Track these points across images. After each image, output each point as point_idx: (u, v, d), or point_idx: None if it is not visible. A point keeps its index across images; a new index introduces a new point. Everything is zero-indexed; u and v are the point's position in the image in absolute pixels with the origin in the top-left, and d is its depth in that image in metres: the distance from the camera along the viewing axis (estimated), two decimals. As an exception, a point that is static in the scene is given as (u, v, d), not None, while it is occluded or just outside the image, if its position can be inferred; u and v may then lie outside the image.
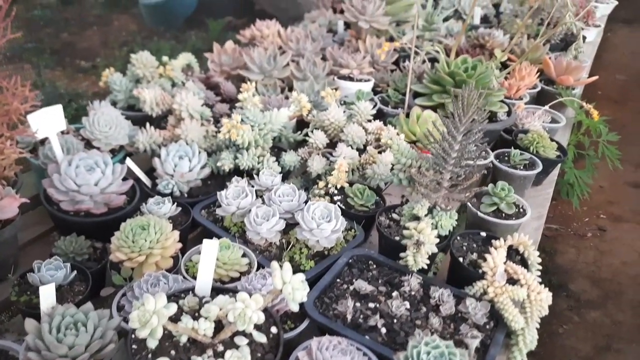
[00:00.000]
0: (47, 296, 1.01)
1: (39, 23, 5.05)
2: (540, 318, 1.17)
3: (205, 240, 1.05)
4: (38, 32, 4.97)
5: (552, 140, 1.84)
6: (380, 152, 1.60)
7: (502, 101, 1.92)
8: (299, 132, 1.77)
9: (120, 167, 1.40)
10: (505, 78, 2.14)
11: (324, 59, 2.25)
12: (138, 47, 4.89)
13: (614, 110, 4.73)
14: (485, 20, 3.06)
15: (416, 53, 2.22)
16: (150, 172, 1.56)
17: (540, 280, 1.23)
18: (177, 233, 1.24)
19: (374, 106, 1.99)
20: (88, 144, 1.56)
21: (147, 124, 1.63)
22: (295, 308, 0.94)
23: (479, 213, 1.47)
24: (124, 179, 1.42)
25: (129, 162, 1.47)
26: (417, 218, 1.33)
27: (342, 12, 2.55)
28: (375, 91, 2.18)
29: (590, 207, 3.39)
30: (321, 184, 1.52)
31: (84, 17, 5.57)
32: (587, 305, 2.70)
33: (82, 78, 4.59)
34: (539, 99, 2.28)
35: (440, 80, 1.85)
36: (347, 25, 2.58)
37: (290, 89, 2.08)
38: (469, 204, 1.48)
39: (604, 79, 5.21)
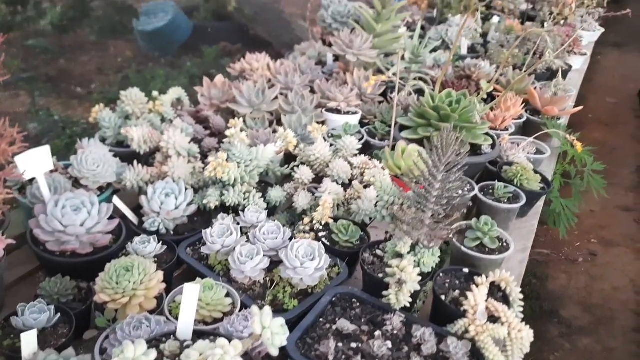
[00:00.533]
0: (28, 342, 1.01)
1: (35, 51, 5.11)
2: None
3: (186, 285, 1.06)
4: (34, 60, 5.02)
5: (536, 172, 1.86)
6: (365, 187, 1.62)
7: (487, 133, 1.95)
8: (286, 165, 1.79)
9: (106, 207, 1.42)
10: (492, 109, 2.17)
11: (312, 91, 2.28)
12: (133, 73, 4.93)
13: (605, 133, 4.79)
14: (472, 50, 3.11)
15: (402, 85, 2.26)
16: (138, 208, 1.58)
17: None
18: (161, 273, 1.25)
19: (361, 138, 2.02)
20: (76, 182, 1.58)
21: (135, 162, 1.65)
22: (275, 353, 0.95)
23: (463, 248, 1.49)
24: (111, 217, 1.44)
25: (115, 200, 1.49)
26: (400, 255, 1.34)
27: (331, 45, 2.59)
28: (362, 123, 2.20)
29: (581, 231, 3.41)
30: (306, 220, 1.54)
31: (79, 44, 5.64)
32: (578, 331, 2.70)
33: (77, 105, 4.63)
34: (525, 129, 2.32)
35: (425, 114, 1.88)
36: (336, 57, 2.62)
37: (279, 122, 2.11)
38: (453, 239, 1.50)
39: (594, 102, 5.29)
